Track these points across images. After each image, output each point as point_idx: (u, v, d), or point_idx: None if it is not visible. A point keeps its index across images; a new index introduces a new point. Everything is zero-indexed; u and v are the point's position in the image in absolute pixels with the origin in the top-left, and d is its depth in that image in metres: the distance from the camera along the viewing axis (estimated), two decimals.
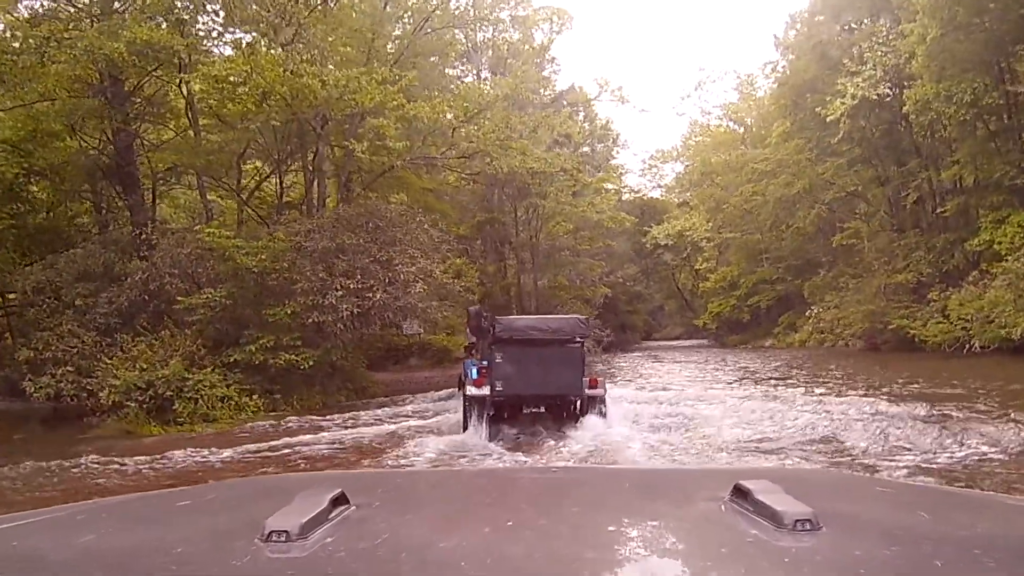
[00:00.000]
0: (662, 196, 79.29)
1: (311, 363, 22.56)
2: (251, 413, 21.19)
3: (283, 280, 23.35)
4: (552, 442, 14.06)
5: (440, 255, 26.18)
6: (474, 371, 15.45)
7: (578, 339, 15.12)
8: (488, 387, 14.46)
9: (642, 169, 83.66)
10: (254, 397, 21.82)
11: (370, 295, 22.91)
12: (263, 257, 22.85)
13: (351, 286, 22.89)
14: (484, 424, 14.54)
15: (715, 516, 1.75)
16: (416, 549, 1.58)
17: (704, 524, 1.75)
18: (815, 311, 56.45)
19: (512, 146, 28.59)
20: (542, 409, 15.90)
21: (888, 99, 40.93)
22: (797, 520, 1.51)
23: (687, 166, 72.61)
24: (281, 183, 30.11)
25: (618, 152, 41.21)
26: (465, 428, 14.98)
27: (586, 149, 47.72)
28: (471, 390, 14.73)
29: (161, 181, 30.71)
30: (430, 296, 25.53)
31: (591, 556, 1.54)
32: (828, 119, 41.21)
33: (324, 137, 28.87)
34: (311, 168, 29.71)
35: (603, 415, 14.89)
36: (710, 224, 70.85)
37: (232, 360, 22.30)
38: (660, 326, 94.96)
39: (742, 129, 69.60)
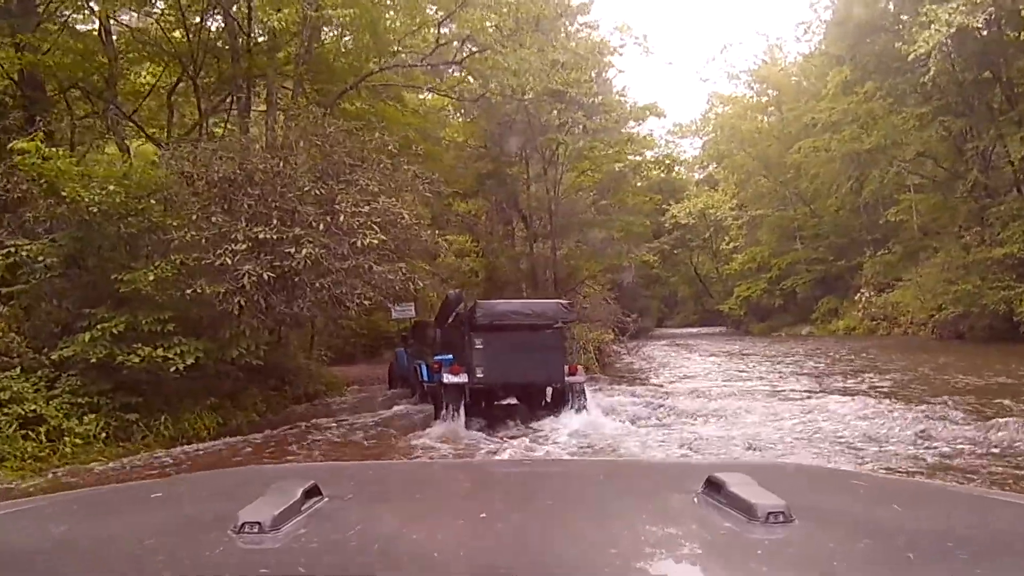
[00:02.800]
0: (680, 173, 68.59)
1: (189, 361, 12.64)
2: (70, 449, 11.66)
3: (151, 227, 13.53)
4: (534, 433, 13.25)
5: (416, 195, 16.25)
6: (424, 370, 15.80)
7: (560, 324, 14.61)
8: (465, 375, 13.71)
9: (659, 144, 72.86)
10: (87, 419, 12.20)
11: (291, 251, 13.02)
12: (114, 190, 12.89)
13: (261, 236, 13.04)
14: (461, 414, 13.66)
15: (688, 508, 1.65)
16: (388, 541, 1.52)
17: (677, 516, 1.67)
18: (865, 294, 46.83)
19: (523, 43, 18.53)
20: (514, 401, 15.53)
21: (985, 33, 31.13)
22: (770, 512, 1.41)
23: (709, 138, 62.14)
24: (201, 110, 20.04)
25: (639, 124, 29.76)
26: (438, 416, 14.11)
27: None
28: (448, 378, 13.79)
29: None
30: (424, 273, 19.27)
31: (563, 549, 1.46)
32: (912, 56, 31.14)
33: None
34: (243, 95, 19.74)
35: (584, 404, 14.21)
36: (735, 200, 60.88)
37: (65, 357, 12.47)
38: (672, 313, 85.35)
39: (768, 97, 59.11)
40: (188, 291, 12.79)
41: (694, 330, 68.63)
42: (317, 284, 13.48)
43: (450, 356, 14.61)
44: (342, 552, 1.44)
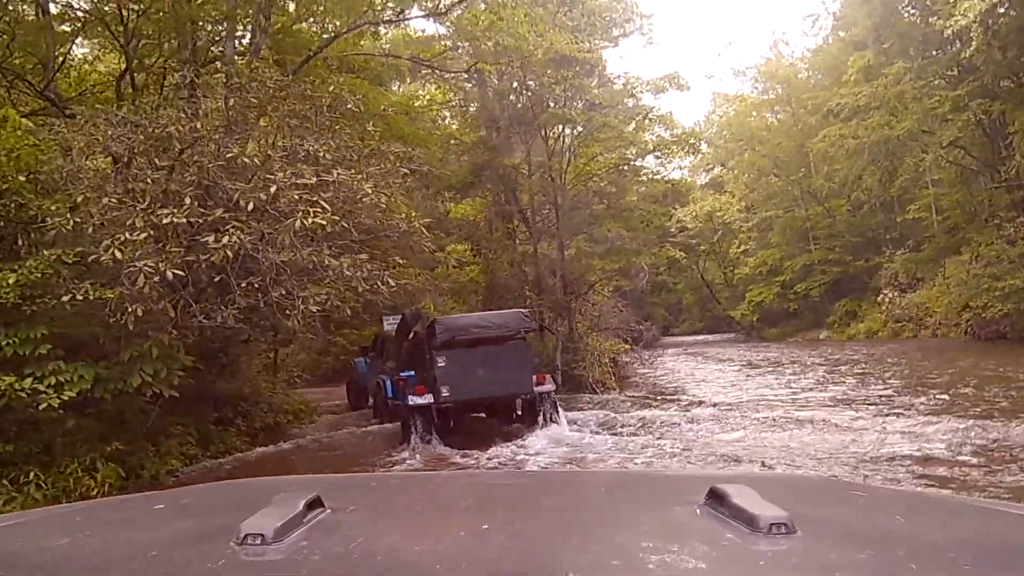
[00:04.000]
0: (685, 177, 64.41)
1: (71, 394, 8.84)
2: None
3: (20, 215, 9.69)
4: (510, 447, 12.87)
5: (396, 180, 12.31)
6: (389, 386, 15.17)
7: (522, 334, 14.02)
8: (431, 395, 13.08)
9: (656, 156, 68.35)
10: None
11: (210, 240, 9.16)
12: None
13: (166, 221, 9.20)
14: (433, 437, 12.99)
15: (690, 519, 1.59)
16: (391, 553, 1.49)
17: (679, 527, 1.59)
18: (888, 295, 42.88)
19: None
20: (483, 415, 15.09)
21: None
22: (772, 524, 1.39)
23: (716, 138, 57.99)
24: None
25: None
26: (405, 441, 13.40)
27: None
28: (413, 399, 13.11)
29: None
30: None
31: (566, 560, 1.42)
32: (949, 31, 27.35)
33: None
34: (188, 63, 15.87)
35: (556, 413, 13.92)
36: (743, 202, 56.88)
37: None
38: (677, 321, 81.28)
39: (776, 92, 54.97)
40: (66, 298, 8.92)
41: (702, 338, 64.42)
42: (244, 284, 9.55)
43: (413, 372, 14.21)
44: (345, 564, 1.40)
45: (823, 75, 49.24)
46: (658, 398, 19.43)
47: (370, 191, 10.13)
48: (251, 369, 15.52)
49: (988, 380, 18.47)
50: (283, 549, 1.37)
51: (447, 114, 28.05)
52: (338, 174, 10.04)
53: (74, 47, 18.92)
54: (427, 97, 27.51)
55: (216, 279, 9.71)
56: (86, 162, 10.33)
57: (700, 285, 69.36)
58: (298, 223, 9.10)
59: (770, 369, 26.36)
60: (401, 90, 25.77)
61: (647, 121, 23.38)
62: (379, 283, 10.37)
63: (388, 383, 15.56)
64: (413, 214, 12.32)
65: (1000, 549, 1.50)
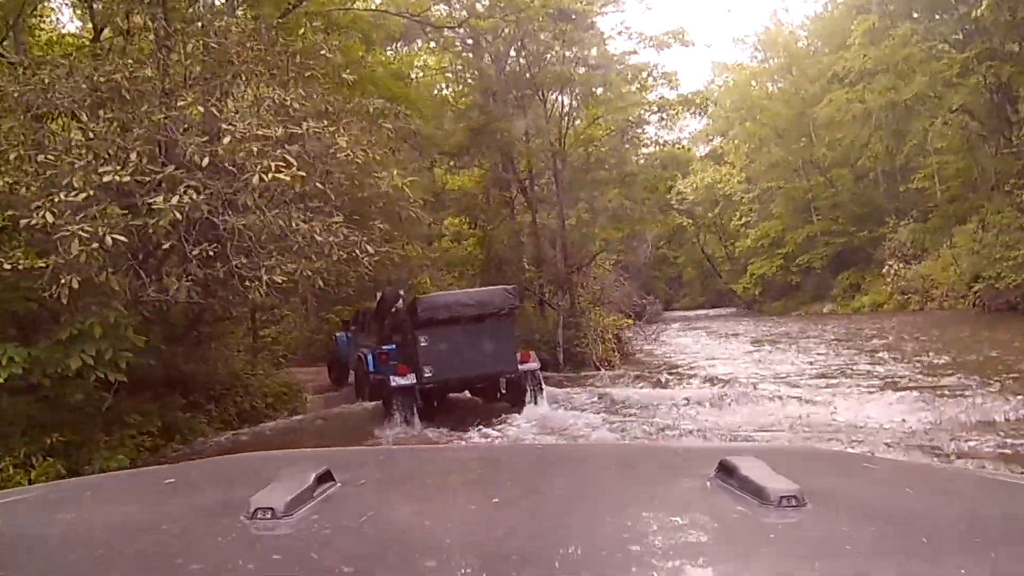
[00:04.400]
0: (686, 147, 62.64)
1: None
2: None
3: None
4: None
5: (364, 125, 10.86)
6: (370, 359, 14.70)
7: (506, 311, 13.41)
8: (413, 375, 12.61)
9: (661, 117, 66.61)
10: None
11: (156, 201, 7.81)
12: None
13: (107, 180, 7.83)
14: (416, 419, 12.50)
15: (701, 492, 1.56)
16: (401, 526, 1.49)
17: (690, 500, 1.57)
18: (893, 267, 41.56)
19: None
20: (466, 393, 14.77)
21: None
22: (783, 496, 1.36)
23: (716, 108, 56.28)
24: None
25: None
26: (388, 416, 12.77)
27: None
28: (396, 380, 12.61)
29: None
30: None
31: (576, 533, 1.40)
32: None
33: None
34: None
35: (540, 392, 13.49)
36: (743, 174, 55.43)
37: None
38: (678, 295, 79.88)
39: (777, 60, 53.24)
40: None
41: (703, 312, 63.11)
42: (197, 251, 8.20)
43: (395, 346, 13.91)
44: (355, 538, 1.39)
45: (824, 43, 47.69)
46: (666, 376, 18.13)
47: (344, 144, 8.75)
48: (227, 349, 14.18)
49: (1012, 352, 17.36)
50: (293, 523, 1.34)
51: (444, 85, 26.57)
52: (309, 126, 8.67)
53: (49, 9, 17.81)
54: (421, 63, 26.02)
55: (166, 246, 8.37)
56: (25, 117, 8.96)
57: (701, 259, 67.87)
58: (256, 179, 7.74)
59: (780, 344, 25.06)
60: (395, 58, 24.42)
61: (650, 79, 21.81)
62: (357, 251, 9.01)
63: (369, 357, 14.94)
64: (396, 172, 10.85)
65: (1012, 522, 1.46)
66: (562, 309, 20.00)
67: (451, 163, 22.50)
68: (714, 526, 1.40)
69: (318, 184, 8.71)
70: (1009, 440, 9.57)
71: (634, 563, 1.25)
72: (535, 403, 13.32)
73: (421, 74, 25.52)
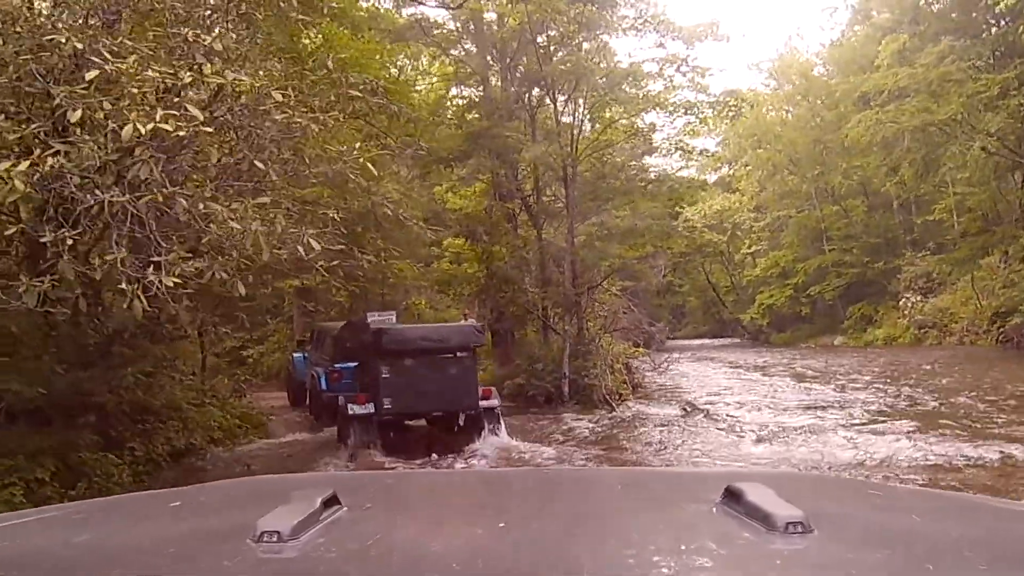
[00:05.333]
0: (692, 175, 59.96)
1: None
2: None
3: None
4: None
5: (331, 99, 8.18)
6: (320, 374, 14.66)
7: (472, 349, 13.09)
8: (372, 405, 12.23)
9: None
10: None
11: None
12: None
13: None
14: (376, 447, 12.21)
15: (707, 518, 1.54)
16: (407, 550, 1.45)
17: (696, 526, 1.55)
18: (911, 300, 39.03)
19: None
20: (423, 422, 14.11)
21: None
22: (789, 523, 1.33)
23: (728, 136, 53.66)
24: None
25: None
26: (341, 441, 12.71)
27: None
28: (353, 408, 12.25)
29: None
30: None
31: (582, 558, 1.38)
32: (1001, 5, 23.39)
33: None
34: None
35: (499, 425, 13.13)
36: (754, 202, 52.77)
37: None
38: (680, 324, 77.22)
39: (793, 85, 50.66)
40: None
41: (707, 342, 60.07)
42: (51, 238, 5.52)
43: (353, 364, 13.76)
44: (361, 562, 1.37)
45: (841, 69, 45.32)
46: (689, 414, 15.42)
47: (281, 99, 6.10)
48: (169, 373, 11.48)
49: None
50: (299, 547, 1.32)
51: (445, 92, 24.01)
52: (234, 78, 6.03)
53: None
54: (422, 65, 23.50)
55: (11, 232, 5.70)
56: None
57: (705, 288, 65.14)
58: (128, 131, 5.10)
59: (804, 379, 22.30)
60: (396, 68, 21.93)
61: (678, 74, 18.69)
62: (301, 248, 6.35)
63: (322, 376, 14.76)
64: (359, 145, 8.18)
65: (1018, 549, 1.44)
66: (569, 335, 17.28)
67: (447, 170, 19.52)
68: (720, 552, 1.35)
69: (246, 153, 6.05)
70: None
71: None
72: (495, 435, 12.99)
73: (425, 86, 23.08)
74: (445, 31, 19.68)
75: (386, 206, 10.17)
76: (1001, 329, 29.96)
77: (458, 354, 12.86)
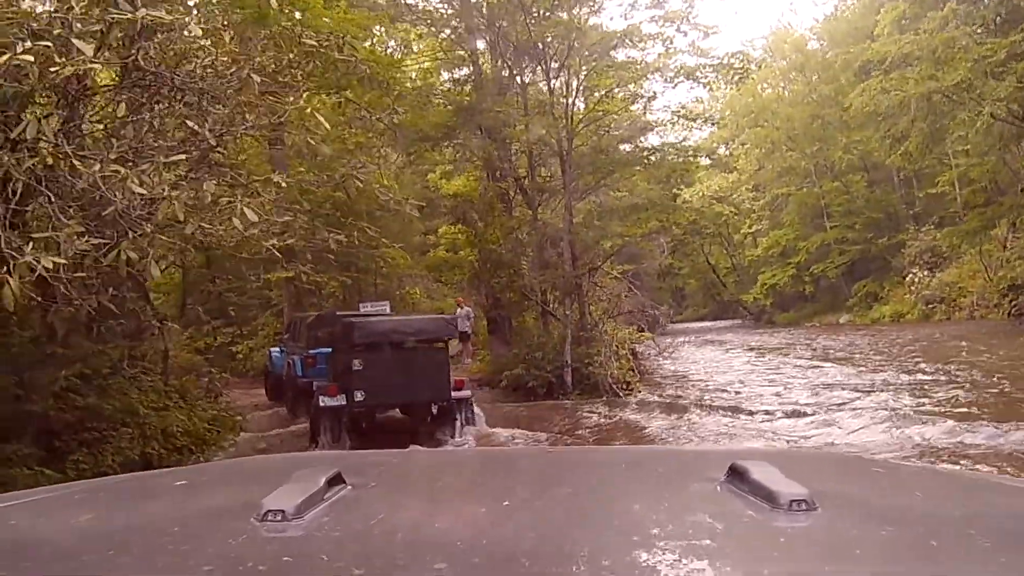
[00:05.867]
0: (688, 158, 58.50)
1: None
2: None
3: None
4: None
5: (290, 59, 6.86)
6: (296, 361, 14.54)
7: (444, 340, 13.12)
8: (344, 397, 11.95)
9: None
10: None
11: None
12: None
13: None
14: (343, 441, 11.97)
15: (711, 496, 1.52)
16: (411, 529, 1.42)
17: (700, 504, 1.51)
18: (918, 275, 37.81)
19: None
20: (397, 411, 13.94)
21: None
22: (793, 500, 1.32)
23: (724, 114, 52.23)
24: None
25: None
26: (313, 441, 12.17)
27: None
28: (325, 400, 12.03)
29: None
30: None
31: (586, 536, 1.35)
32: None
33: None
34: None
35: (472, 415, 13.04)
36: (752, 182, 51.50)
37: None
38: (680, 307, 75.97)
39: (787, 61, 49.21)
40: None
41: (710, 324, 58.75)
42: None
43: (328, 349, 13.39)
44: (365, 540, 1.35)
45: (836, 43, 43.95)
46: (706, 404, 14.15)
47: (199, 32, 4.80)
48: (123, 375, 10.15)
49: None
50: (304, 525, 1.32)
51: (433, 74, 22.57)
52: (145, 13, 4.73)
53: None
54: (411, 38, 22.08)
55: None
56: None
57: (705, 270, 63.65)
58: None
59: (818, 360, 20.99)
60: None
61: (679, 34, 16.78)
62: (236, 220, 5.07)
63: (298, 363, 14.47)
64: (304, 94, 6.86)
65: (1021, 526, 1.42)
66: (570, 321, 15.99)
67: (435, 149, 18.05)
68: (724, 530, 1.34)
69: (176, 111, 4.76)
70: None
71: (644, 567, 1.20)
72: (471, 424, 12.95)
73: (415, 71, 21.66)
74: (432, 6, 18.30)
75: (356, 176, 8.61)
76: (1014, 303, 28.69)
77: (429, 346, 12.78)
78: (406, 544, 1.33)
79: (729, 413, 12.95)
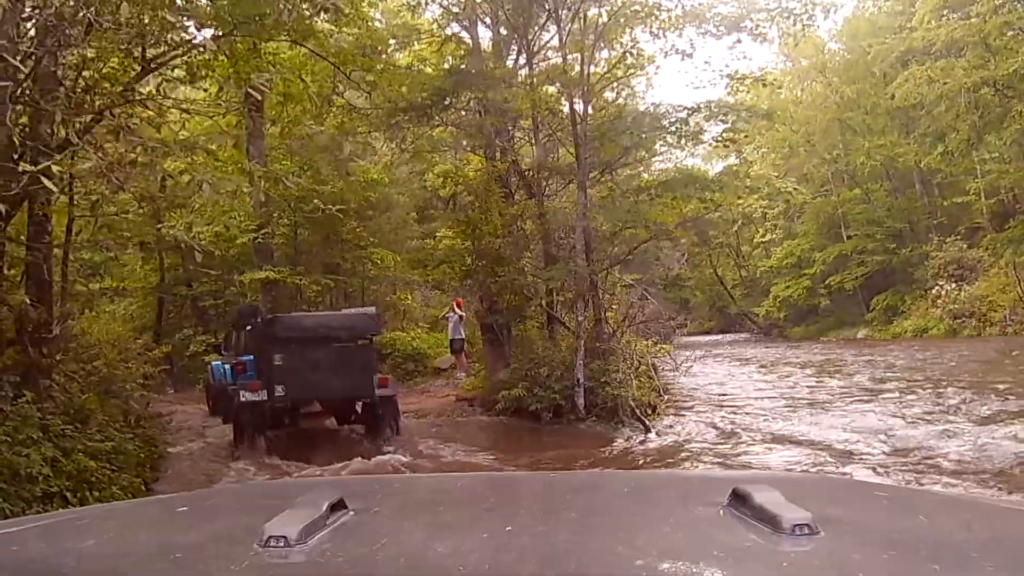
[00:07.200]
0: (698, 165, 55.24)
1: None
2: None
3: None
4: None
5: None
6: (227, 369, 13.94)
7: (369, 338, 12.44)
8: (265, 392, 11.49)
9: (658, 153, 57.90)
10: None
11: None
12: None
13: None
14: (261, 440, 11.60)
15: (714, 520, 1.49)
16: (414, 554, 1.38)
17: (703, 528, 1.50)
18: (945, 287, 34.80)
19: None
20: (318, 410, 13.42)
21: None
22: (796, 525, 1.30)
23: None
24: None
25: None
26: (237, 446, 11.69)
27: None
28: (245, 395, 11.57)
29: None
30: None
31: (590, 561, 1.31)
32: None
33: None
34: None
35: (397, 422, 12.44)
36: (765, 189, 48.29)
37: None
38: (685, 320, 72.85)
39: (806, 62, 46.00)
40: None
41: (718, 337, 55.28)
42: None
43: (253, 356, 12.64)
44: (368, 566, 1.33)
45: (858, 43, 40.98)
46: (759, 434, 10.87)
47: None
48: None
49: None
50: (307, 551, 1.29)
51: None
52: None
53: None
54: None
55: None
56: None
57: (712, 282, 60.51)
58: None
59: (875, 379, 17.66)
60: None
61: None
62: None
63: (229, 370, 13.78)
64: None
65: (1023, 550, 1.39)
66: (583, 330, 12.53)
67: (423, 120, 14.49)
68: (727, 554, 1.32)
69: None
70: None
71: None
72: (396, 432, 12.33)
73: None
74: None
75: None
76: None
77: (354, 342, 12.18)
78: (409, 569, 1.30)
79: (797, 444, 9.72)
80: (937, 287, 35.57)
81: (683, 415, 12.84)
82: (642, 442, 10.89)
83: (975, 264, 35.83)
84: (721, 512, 1.48)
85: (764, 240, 50.36)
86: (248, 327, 13.55)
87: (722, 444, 10.28)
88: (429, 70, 15.90)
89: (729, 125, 14.59)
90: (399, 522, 1.67)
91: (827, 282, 43.65)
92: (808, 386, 17.16)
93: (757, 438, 10.49)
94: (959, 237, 37.16)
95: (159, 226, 21.89)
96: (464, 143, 16.81)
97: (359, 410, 12.77)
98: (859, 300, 43.04)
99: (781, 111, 43.27)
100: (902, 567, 1.26)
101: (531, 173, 14.52)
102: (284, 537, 1.28)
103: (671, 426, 11.76)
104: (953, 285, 35.16)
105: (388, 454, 11.29)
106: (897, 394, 14.15)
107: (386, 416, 12.28)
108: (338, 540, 1.36)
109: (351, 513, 1.50)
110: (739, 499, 1.46)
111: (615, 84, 13.91)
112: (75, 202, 10.64)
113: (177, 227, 10.35)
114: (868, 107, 35.74)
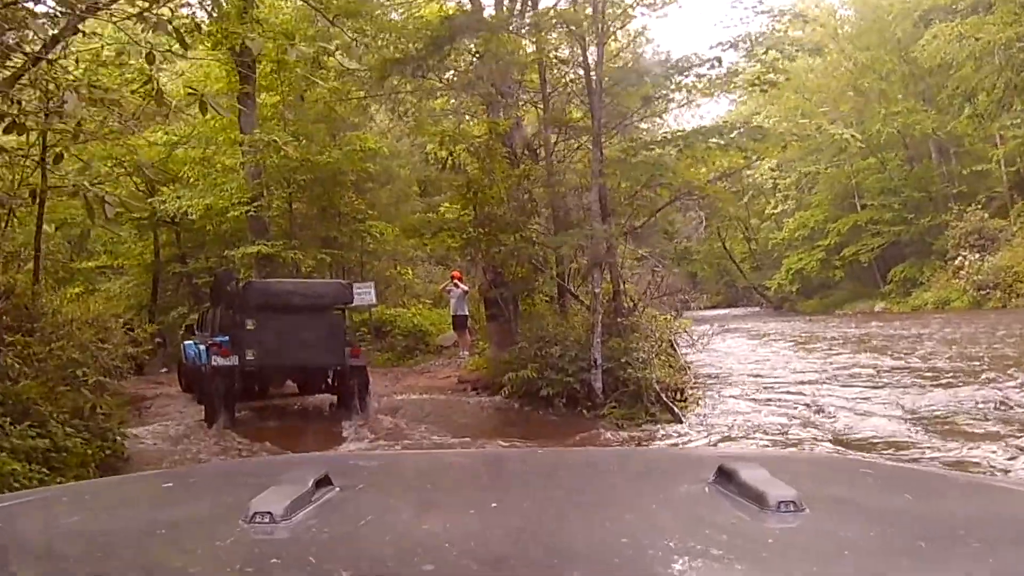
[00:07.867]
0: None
1: None
2: None
3: None
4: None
5: None
6: (202, 350, 13.27)
7: (341, 306, 12.62)
8: (236, 357, 11.50)
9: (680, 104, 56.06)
10: None
11: None
12: None
13: None
14: (232, 410, 11.61)
15: (699, 497, 1.50)
16: (400, 531, 1.37)
17: (688, 505, 1.49)
18: (968, 258, 33.31)
19: None
20: (291, 382, 13.73)
21: None
22: (781, 502, 1.28)
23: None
24: None
25: None
26: (212, 421, 11.36)
27: None
28: (217, 360, 11.60)
29: None
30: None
31: (575, 538, 1.31)
32: None
33: None
34: None
35: (366, 397, 12.29)
36: (776, 160, 46.59)
37: None
38: (700, 294, 71.29)
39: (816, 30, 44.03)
40: None
41: (727, 312, 53.53)
42: None
43: (227, 338, 12.22)
44: (353, 542, 1.31)
45: (865, 12, 39.24)
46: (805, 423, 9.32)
47: None
48: None
49: None
50: (292, 527, 1.27)
51: None
52: None
53: None
54: None
55: None
56: None
57: (721, 256, 58.81)
58: None
59: (921, 355, 16.11)
60: None
61: None
62: None
63: (201, 348, 13.27)
64: None
65: (1011, 525, 1.37)
66: (600, 304, 10.78)
67: (412, 74, 12.74)
68: (712, 531, 1.31)
69: None
70: None
71: (632, 568, 1.17)
72: (363, 408, 12.02)
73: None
74: None
75: None
76: None
77: (326, 310, 12.22)
78: (394, 546, 1.28)
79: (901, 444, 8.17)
80: (961, 257, 34.05)
81: (711, 400, 11.25)
82: (666, 433, 9.32)
83: (997, 234, 34.41)
84: (707, 489, 1.45)
85: (775, 212, 48.46)
86: (223, 301, 13.02)
87: (780, 439, 8.69)
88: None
89: (769, 64, 12.83)
90: (385, 499, 1.63)
91: (842, 254, 42.01)
92: (858, 364, 15.41)
93: (827, 434, 8.86)
94: (979, 207, 35.61)
95: (149, 200, 20.88)
96: (465, 105, 15.23)
97: (330, 381, 12.57)
98: (874, 272, 41.53)
99: (794, 78, 41.63)
100: (888, 544, 1.23)
101: (539, 129, 12.89)
102: (269, 513, 1.24)
103: (705, 415, 10.15)
104: (976, 255, 33.67)
105: (366, 440, 10.77)
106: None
107: (356, 386, 12.05)
108: (324, 516, 1.32)
109: (337, 490, 1.46)
110: (725, 476, 1.43)
111: (630, 31, 12.19)
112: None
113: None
114: (883, 73, 33.82)
